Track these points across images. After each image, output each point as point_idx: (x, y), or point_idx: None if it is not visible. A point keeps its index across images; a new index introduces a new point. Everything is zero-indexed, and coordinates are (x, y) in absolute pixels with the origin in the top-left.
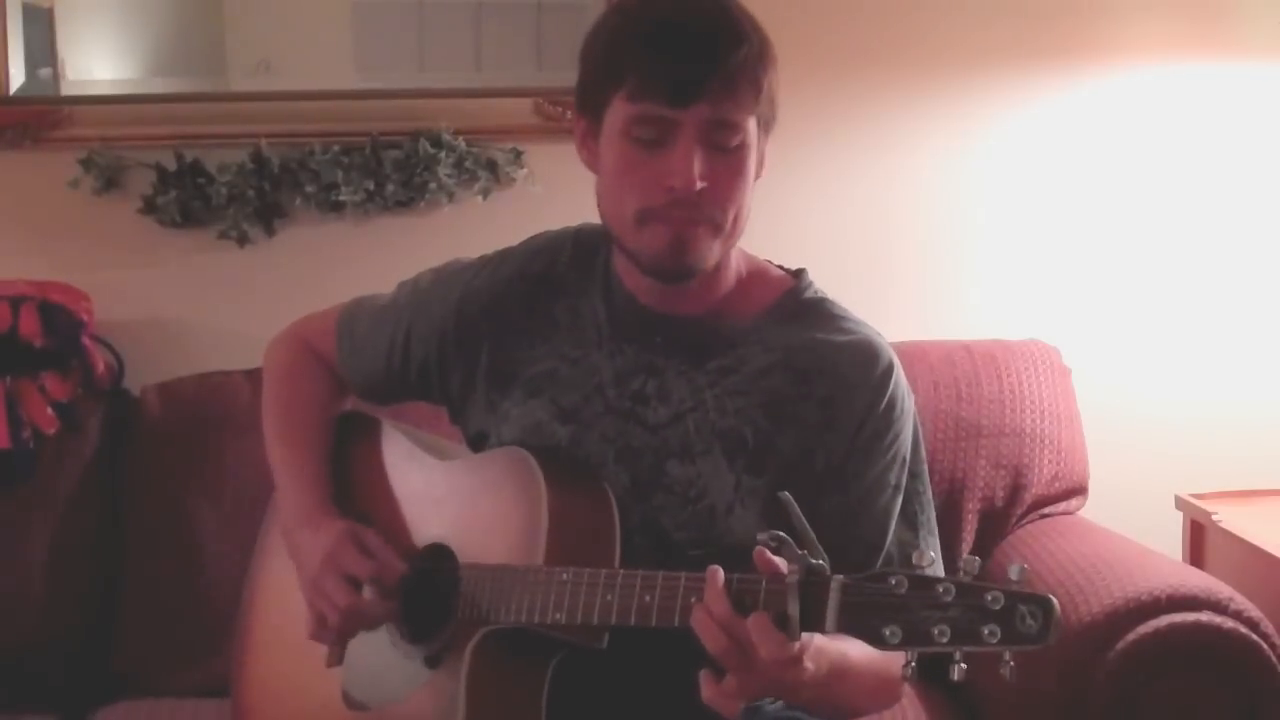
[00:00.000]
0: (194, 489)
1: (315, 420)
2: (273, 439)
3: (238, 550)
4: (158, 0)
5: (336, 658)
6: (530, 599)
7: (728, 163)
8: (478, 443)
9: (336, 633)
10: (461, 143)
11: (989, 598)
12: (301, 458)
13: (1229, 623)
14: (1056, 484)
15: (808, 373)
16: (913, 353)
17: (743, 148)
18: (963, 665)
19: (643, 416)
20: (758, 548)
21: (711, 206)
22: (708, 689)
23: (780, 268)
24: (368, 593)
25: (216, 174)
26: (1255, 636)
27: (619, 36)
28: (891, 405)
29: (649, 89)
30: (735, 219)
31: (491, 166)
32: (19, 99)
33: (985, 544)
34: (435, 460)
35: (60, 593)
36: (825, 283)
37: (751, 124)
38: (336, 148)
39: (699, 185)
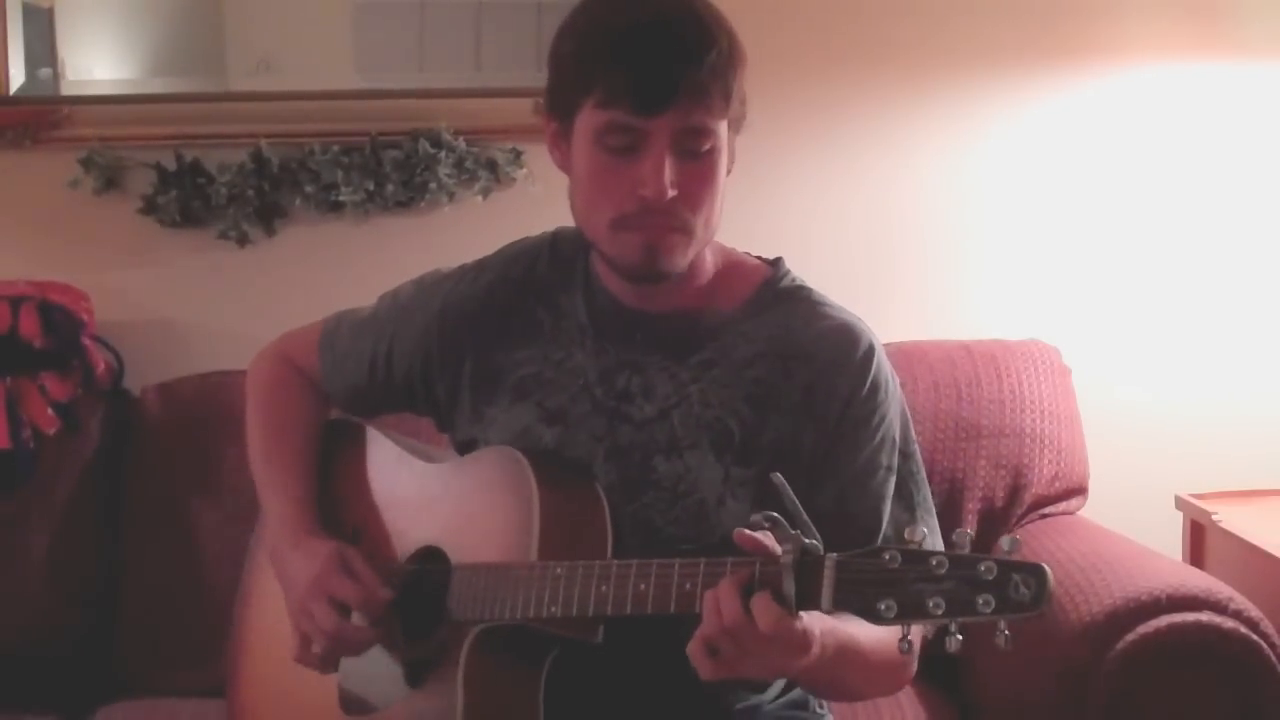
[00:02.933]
0: (194, 489)
1: (300, 436)
2: (257, 456)
3: (238, 550)
4: (158, 0)
5: (332, 664)
6: (525, 594)
7: (699, 168)
8: (466, 450)
9: (321, 658)
10: (461, 143)
11: (982, 568)
12: (287, 475)
13: (1229, 623)
14: (1056, 484)
15: (789, 360)
16: (913, 353)
17: (713, 151)
18: (959, 636)
19: (629, 414)
20: (737, 529)
21: (684, 212)
22: (703, 667)
23: (757, 258)
24: (355, 618)
25: (216, 174)
26: (1255, 636)
27: (587, 42)
28: (875, 387)
29: (618, 98)
30: (707, 221)
31: (491, 166)
32: (19, 99)
33: (985, 544)
34: (423, 463)
35: (60, 593)
36: (826, 283)
37: (722, 127)
38: (336, 148)
39: (670, 194)
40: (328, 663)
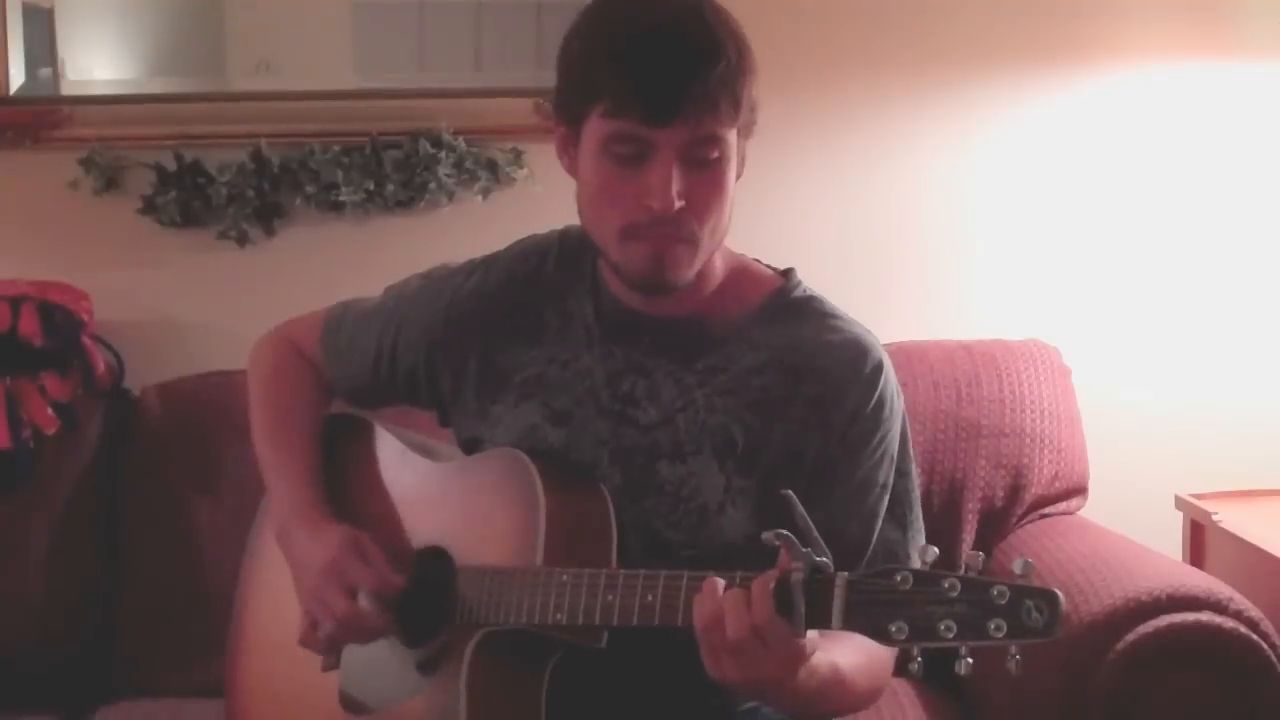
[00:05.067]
0: (194, 489)
1: (305, 421)
2: (263, 440)
3: (238, 550)
4: (158, 0)
5: (333, 662)
6: (530, 600)
7: (707, 177)
8: (470, 448)
9: (329, 641)
10: (461, 143)
11: (995, 592)
12: (294, 458)
13: (1229, 623)
14: (1056, 484)
15: (797, 371)
16: (913, 353)
17: (722, 159)
18: (969, 660)
19: (634, 418)
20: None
21: (692, 222)
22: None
23: (769, 267)
24: (365, 602)
25: (216, 174)
26: (1255, 636)
27: (594, 51)
28: (881, 404)
29: (626, 108)
30: (715, 229)
31: (491, 166)
32: (19, 99)
33: (985, 544)
34: (429, 462)
35: (60, 593)
36: (825, 283)
37: (731, 135)
38: (336, 148)
39: (678, 204)
40: (333, 647)
